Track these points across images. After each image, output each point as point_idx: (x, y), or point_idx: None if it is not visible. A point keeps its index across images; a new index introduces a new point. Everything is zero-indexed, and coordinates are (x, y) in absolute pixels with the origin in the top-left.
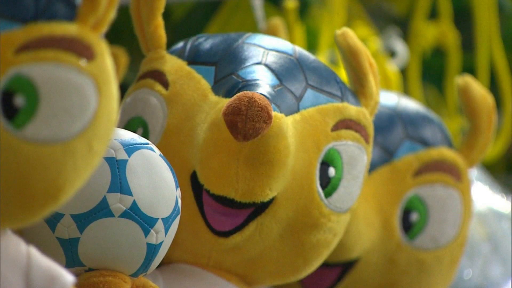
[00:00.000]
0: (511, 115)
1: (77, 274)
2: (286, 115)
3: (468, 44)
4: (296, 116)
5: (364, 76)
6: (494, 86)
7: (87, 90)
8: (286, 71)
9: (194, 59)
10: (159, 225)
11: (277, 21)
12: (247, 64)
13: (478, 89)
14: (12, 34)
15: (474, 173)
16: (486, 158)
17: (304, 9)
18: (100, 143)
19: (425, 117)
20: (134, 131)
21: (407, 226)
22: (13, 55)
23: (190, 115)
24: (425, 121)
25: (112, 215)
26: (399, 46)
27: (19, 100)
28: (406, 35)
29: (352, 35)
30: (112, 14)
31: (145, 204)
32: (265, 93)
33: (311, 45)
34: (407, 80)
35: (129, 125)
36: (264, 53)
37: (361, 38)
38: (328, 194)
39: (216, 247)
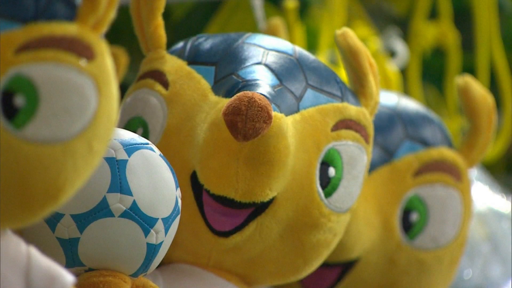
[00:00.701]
0: (511, 115)
1: (77, 274)
2: (286, 115)
3: (468, 44)
4: (296, 116)
5: (364, 76)
6: (494, 86)
7: (87, 90)
8: (286, 71)
9: (194, 59)
10: (159, 225)
11: (277, 21)
12: (247, 64)
13: (478, 89)
14: (12, 34)
15: (474, 173)
16: (486, 158)
17: (304, 9)
18: (100, 143)
19: (425, 117)
20: (134, 131)
21: (407, 226)
22: (13, 55)
23: (190, 115)
24: (425, 121)
25: (112, 215)
26: (399, 46)
27: (19, 100)
28: (406, 35)
29: (352, 35)
30: (112, 14)
31: (145, 204)
32: (265, 93)
33: (311, 45)
34: (407, 80)
35: (129, 125)
36: (264, 53)
37: (361, 38)
38: (328, 194)
39: (216, 247)
